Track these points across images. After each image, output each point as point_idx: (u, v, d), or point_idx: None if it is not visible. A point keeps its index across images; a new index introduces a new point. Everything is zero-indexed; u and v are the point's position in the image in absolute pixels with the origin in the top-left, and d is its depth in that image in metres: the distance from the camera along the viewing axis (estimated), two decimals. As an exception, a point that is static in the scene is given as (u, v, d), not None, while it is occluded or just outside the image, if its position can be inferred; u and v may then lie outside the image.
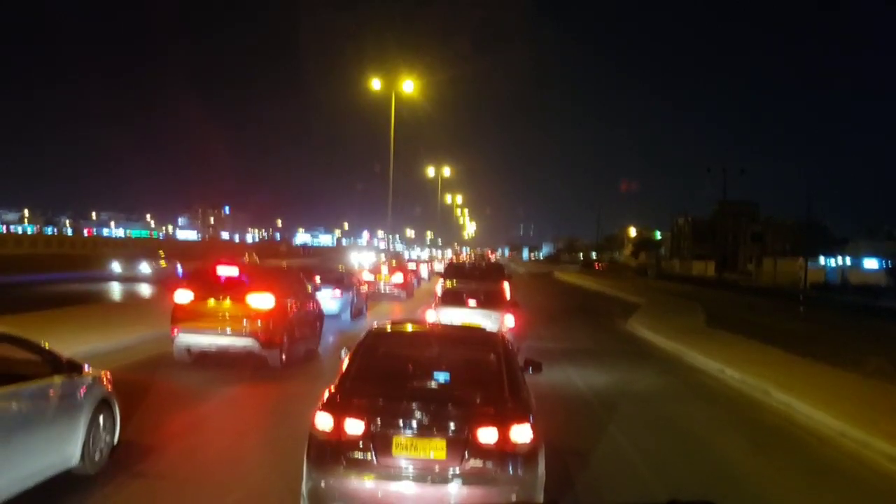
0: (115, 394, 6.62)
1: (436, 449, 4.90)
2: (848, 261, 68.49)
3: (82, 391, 6.13)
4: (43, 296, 23.90)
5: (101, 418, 6.27)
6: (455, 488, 4.86)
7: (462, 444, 4.89)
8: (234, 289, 11.82)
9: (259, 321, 11.49)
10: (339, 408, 5.10)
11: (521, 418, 5.07)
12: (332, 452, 4.98)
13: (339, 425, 4.99)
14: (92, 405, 6.15)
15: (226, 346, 11.68)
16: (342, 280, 20.75)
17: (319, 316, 14.72)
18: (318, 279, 18.74)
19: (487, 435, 4.91)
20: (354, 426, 4.96)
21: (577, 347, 16.54)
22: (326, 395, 5.34)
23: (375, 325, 6.66)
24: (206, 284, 12.07)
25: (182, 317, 11.66)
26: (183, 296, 11.85)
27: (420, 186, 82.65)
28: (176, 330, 11.61)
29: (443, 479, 4.87)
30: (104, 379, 6.56)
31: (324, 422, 5.05)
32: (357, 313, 20.72)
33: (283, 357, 11.92)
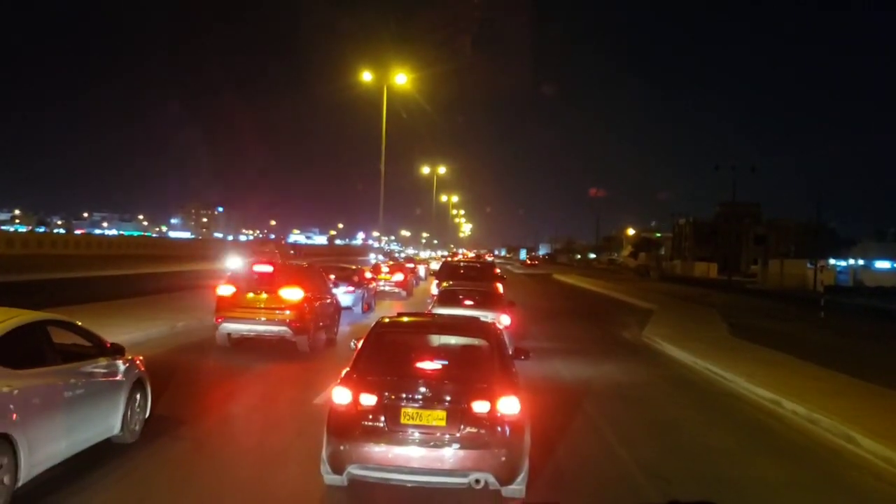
0: (148, 374, 7.69)
1: (437, 418, 5.63)
2: (861, 262, 66.18)
3: (123, 371, 7.10)
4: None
5: (137, 395, 7.28)
6: (453, 451, 5.60)
7: (459, 414, 5.64)
8: (269, 284, 13.50)
9: (291, 311, 13.16)
10: (354, 384, 5.85)
11: (509, 393, 5.79)
12: (349, 421, 5.70)
13: (355, 399, 5.74)
14: (130, 383, 7.15)
15: (262, 332, 13.42)
16: (354, 278, 22.62)
17: (338, 308, 16.39)
18: (332, 277, 20.14)
19: (481, 406, 5.65)
20: (368, 399, 5.72)
21: (587, 364, 14.08)
22: (344, 373, 6.11)
23: (384, 315, 7.46)
24: (245, 280, 13.75)
25: (225, 307, 13.29)
26: (226, 290, 13.49)
27: (417, 187, 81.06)
28: (220, 319, 13.28)
29: (443, 444, 5.61)
30: (138, 361, 7.53)
31: (342, 396, 5.80)
32: (367, 307, 22.59)
33: (310, 342, 13.59)
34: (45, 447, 5.65)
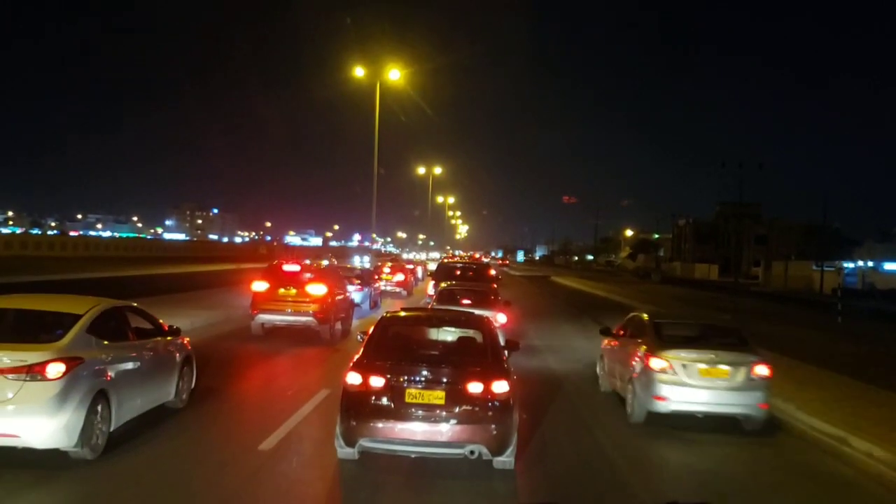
0: (195, 353, 9.42)
1: (437, 398, 6.50)
2: (870, 264, 64.68)
3: (177, 349, 8.86)
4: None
5: (185, 370, 8.98)
6: (451, 425, 6.46)
7: (457, 394, 6.51)
8: (297, 280, 15.48)
9: (315, 305, 15.19)
10: (365, 368, 6.71)
11: (500, 376, 6.68)
12: (360, 400, 6.57)
13: (365, 381, 6.59)
14: (182, 359, 8.88)
15: (291, 322, 15.47)
16: (363, 278, 24.40)
17: (352, 304, 18.60)
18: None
19: (475, 387, 6.54)
20: (377, 381, 6.56)
21: (598, 384, 12.09)
22: (355, 359, 7.00)
23: (388, 310, 8.85)
24: (277, 277, 15.63)
25: (259, 301, 15.33)
26: (260, 286, 15.47)
27: (415, 189, 79.86)
28: (255, 311, 15.31)
29: (442, 419, 6.47)
30: (186, 342, 9.23)
31: (354, 378, 6.66)
32: (374, 304, 24.47)
33: (331, 332, 15.53)
34: (127, 403, 7.36)
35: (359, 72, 34.57)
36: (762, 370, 9.30)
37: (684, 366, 9.05)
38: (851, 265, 66.94)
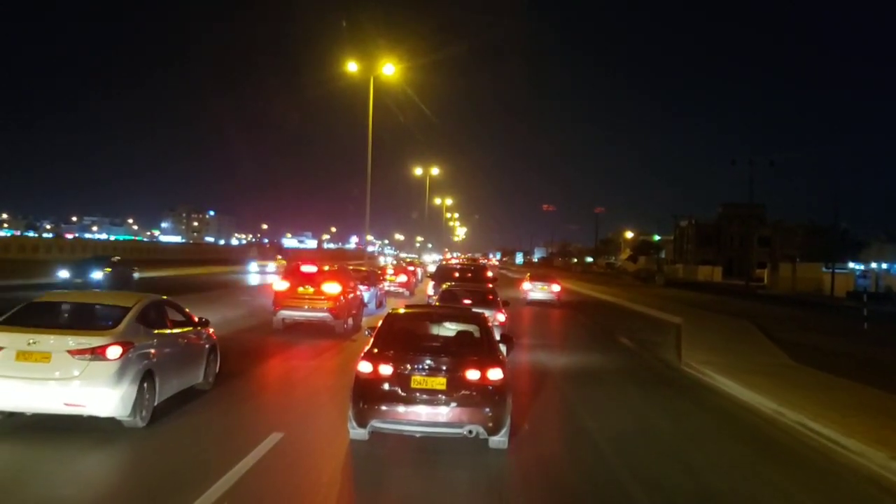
0: (219, 342, 10.80)
1: (439, 384, 7.25)
2: (884, 266, 63.09)
3: (205, 338, 10.10)
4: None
5: (211, 356, 10.19)
6: (451, 408, 7.26)
7: (457, 381, 7.27)
8: (314, 280, 17.17)
9: (331, 302, 16.88)
10: (374, 357, 7.49)
11: (495, 365, 7.47)
12: (370, 386, 7.32)
13: (375, 369, 7.35)
14: (208, 347, 10.13)
15: (309, 317, 17.13)
16: (370, 278, 25.57)
17: (362, 302, 20.37)
18: None
19: (473, 374, 7.32)
20: (386, 369, 7.33)
21: (625, 416, 10.28)
22: (365, 349, 7.78)
23: (394, 307, 9.40)
24: (296, 277, 17.41)
25: (281, 299, 17.02)
26: (281, 285, 17.33)
27: (413, 191, 78.75)
28: (277, 308, 17.00)
29: (443, 402, 7.25)
30: (211, 331, 10.46)
31: (365, 367, 7.42)
32: (379, 304, 25.66)
33: (344, 326, 17.25)
34: (167, 382, 8.53)
35: (352, 67, 33.42)
36: (556, 287, 33.22)
37: (532, 285, 33.33)
38: (861, 267, 65.40)
